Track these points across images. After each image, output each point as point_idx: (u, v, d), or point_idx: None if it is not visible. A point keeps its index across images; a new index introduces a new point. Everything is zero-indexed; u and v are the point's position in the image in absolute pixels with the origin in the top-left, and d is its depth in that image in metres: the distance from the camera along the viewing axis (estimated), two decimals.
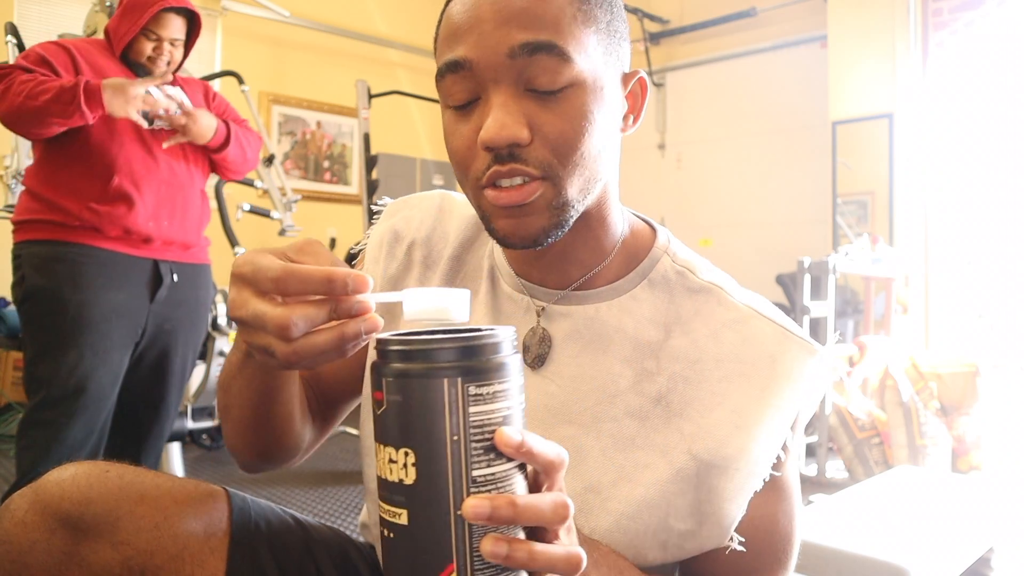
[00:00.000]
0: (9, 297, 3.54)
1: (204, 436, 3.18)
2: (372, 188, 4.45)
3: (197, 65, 4.36)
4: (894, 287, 3.72)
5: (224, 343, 2.72)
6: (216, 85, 4.44)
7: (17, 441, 1.84)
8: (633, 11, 5.20)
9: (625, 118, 0.69)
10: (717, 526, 0.67)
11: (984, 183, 3.87)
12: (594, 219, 0.69)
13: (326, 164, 5.26)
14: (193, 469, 2.96)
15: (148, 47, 1.91)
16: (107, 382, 1.86)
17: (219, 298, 2.74)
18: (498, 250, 0.77)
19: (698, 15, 5.14)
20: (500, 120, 0.60)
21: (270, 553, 0.79)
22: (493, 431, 0.46)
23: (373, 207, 0.89)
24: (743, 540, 0.68)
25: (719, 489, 0.66)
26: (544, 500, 0.47)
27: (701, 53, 5.18)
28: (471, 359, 0.46)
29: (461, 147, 0.64)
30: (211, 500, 0.77)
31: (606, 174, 0.66)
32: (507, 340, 0.47)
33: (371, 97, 4.63)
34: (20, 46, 2.32)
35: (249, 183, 3.41)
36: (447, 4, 0.65)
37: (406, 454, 0.46)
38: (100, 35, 2.12)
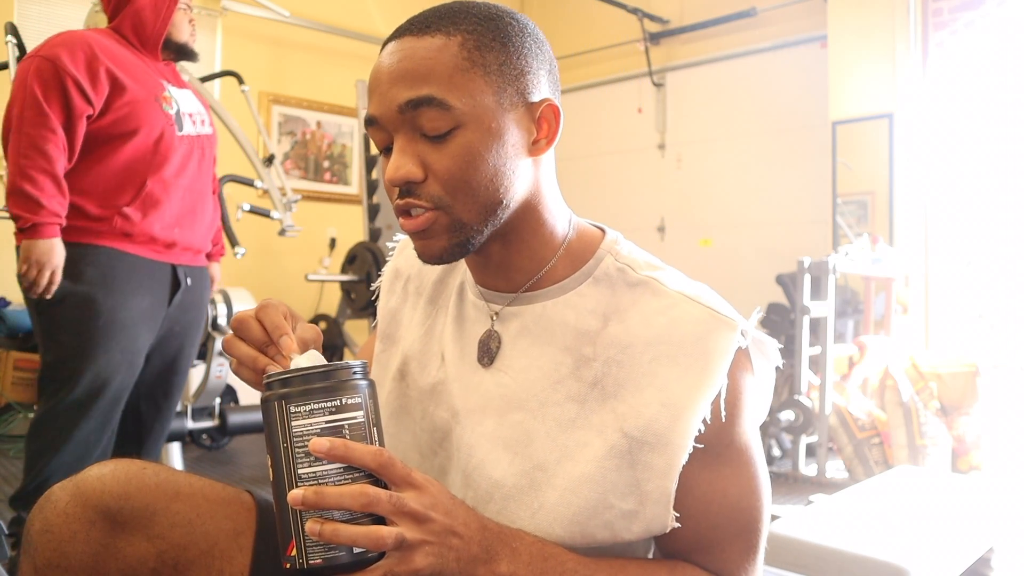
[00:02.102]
0: (8, 297, 3.54)
1: (204, 436, 3.18)
2: (372, 188, 4.44)
3: (197, 65, 4.35)
4: (894, 287, 3.72)
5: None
6: (216, 85, 4.44)
7: (30, 439, 1.83)
8: (633, 11, 5.19)
9: (536, 143, 0.76)
10: (657, 504, 0.71)
11: (984, 183, 3.87)
12: (524, 231, 0.78)
13: (326, 164, 5.26)
14: (193, 469, 2.96)
15: (187, 25, 1.93)
16: (127, 384, 1.89)
17: (219, 298, 2.74)
18: (467, 267, 0.86)
19: (698, 15, 5.14)
20: (396, 163, 0.72)
21: None
22: (311, 439, 0.61)
23: (389, 244, 1.05)
24: (681, 515, 0.72)
25: (653, 465, 0.71)
26: (345, 491, 0.61)
27: (701, 53, 5.18)
28: (289, 387, 0.63)
29: (385, 183, 0.75)
30: (239, 500, 0.84)
31: (512, 196, 0.74)
32: (319, 372, 0.63)
33: None
34: (20, 46, 2.31)
35: (249, 183, 3.41)
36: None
37: (267, 457, 0.65)
38: None
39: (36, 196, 1.70)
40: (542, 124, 0.76)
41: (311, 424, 0.62)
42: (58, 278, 1.75)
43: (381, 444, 0.66)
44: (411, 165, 0.72)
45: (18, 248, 1.83)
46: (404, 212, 0.74)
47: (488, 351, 0.81)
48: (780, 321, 3.96)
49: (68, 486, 0.78)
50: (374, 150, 4.54)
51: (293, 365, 0.70)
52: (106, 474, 0.78)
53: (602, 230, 0.84)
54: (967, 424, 2.95)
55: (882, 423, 2.99)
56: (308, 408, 0.62)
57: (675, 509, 0.72)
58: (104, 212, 1.81)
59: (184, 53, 1.98)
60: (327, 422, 0.62)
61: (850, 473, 3.02)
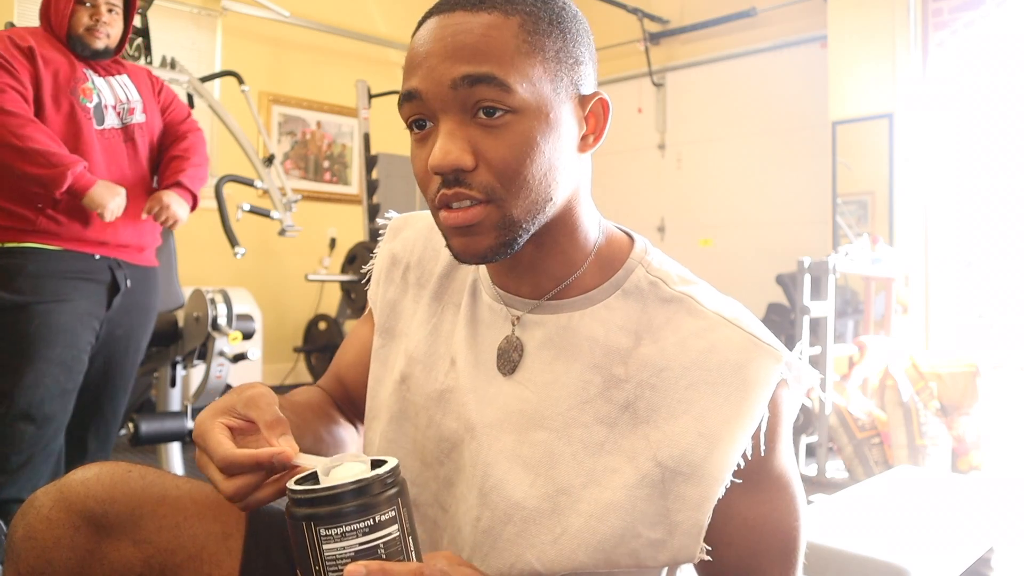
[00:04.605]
0: None
1: None
2: (372, 188, 4.44)
3: (197, 65, 4.36)
4: (894, 287, 3.72)
5: (224, 343, 2.72)
6: (216, 85, 4.45)
7: None
8: (633, 11, 5.19)
9: (584, 138, 0.71)
10: (687, 536, 0.67)
11: (984, 183, 3.87)
12: (559, 234, 0.72)
13: (326, 164, 5.26)
14: (193, 469, 2.96)
15: (85, 16, 1.86)
16: (69, 389, 1.84)
17: (219, 297, 2.74)
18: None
19: (698, 15, 5.14)
20: (445, 147, 0.65)
21: (284, 554, 0.82)
22: (346, 563, 0.56)
23: (380, 220, 0.96)
24: (721, 543, 0.69)
25: (686, 496, 0.67)
26: None
27: (701, 53, 5.18)
28: (317, 507, 0.57)
29: (420, 170, 0.69)
30: (228, 502, 0.78)
31: (560, 194, 0.69)
32: (351, 490, 0.57)
33: (371, 97, 4.63)
34: None
35: (249, 183, 3.41)
36: (414, 34, 0.70)
37: (297, 570, 0.59)
38: None
39: (48, 156, 1.71)
40: (591, 119, 0.71)
41: (344, 548, 0.57)
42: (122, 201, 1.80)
43: (418, 554, 0.61)
44: (462, 151, 0.65)
45: None
46: (445, 204, 0.67)
47: (509, 360, 0.76)
48: (780, 321, 3.96)
49: (51, 491, 0.76)
50: (374, 150, 4.54)
51: (315, 474, 0.62)
52: (90, 478, 0.76)
53: (630, 236, 0.78)
54: (967, 424, 2.95)
55: (882, 423, 2.99)
56: (340, 531, 0.57)
57: (714, 537, 0.69)
58: (27, 212, 1.78)
59: (82, 48, 1.87)
60: (360, 544, 0.57)
61: (850, 473, 3.02)
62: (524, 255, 0.72)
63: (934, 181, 3.88)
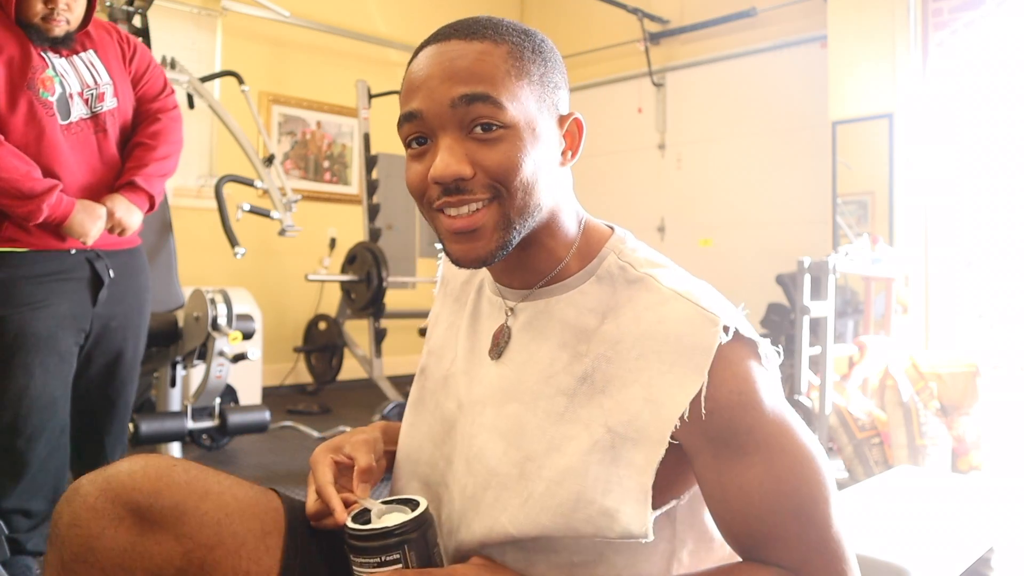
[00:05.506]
0: None
1: (204, 436, 3.18)
2: (372, 188, 4.44)
3: (197, 65, 4.36)
4: (894, 287, 3.72)
5: (224, 343, 2.72)
6: (216, 85, 4.45)
7: None
8: (633, 11, 5.20)
9: (564, 153, 0.80)
10: (636, 503, 0.71)
11: (984, 183, 3.87)
12: (543, 236, 0.79)
13: (326, 164, 5.26)
14: None
15: (38, 5, 1.67)
16: (59, 395, 1.78)
17: (219, 297, 2.74)
18: None
19: (698, 15, 5.14)
20: (445, 160, 0.72)
21: (320, 553, 0.86)
22: None
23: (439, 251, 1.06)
24: (724, 513, 0.73)
25: (634, 462, 0.72)
26: None
27: (701, 53, 5.18)
28: (351, 541, 0.76)
29: (415, 182, 0.76)
30: (267, 500, 0.86)
31: (546, 201, 0.77)
32: (367, 535, 0.75)
33: (371, 97, 4.63)
34: None
35: (249, 183, 3.41)
36: (410, 63, 0.77)
37: None
38: None
39: (19, 183, 1.62)
40: (567, 136, 0.80)
41: (367, 573, 0.76)
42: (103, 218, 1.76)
43: None
44: (461, 162, 0.72)
45: None
46: (445, 207, 0.74)
47: (498, 345, 0.83)
48: (780, 321, 3.96)
49: (98, 480, 0.78)
50: (374, 150, 4.54)
51: (353, 519, 0.81)
52: (136, 470, 0.79)
53: (612, 229, 0.85)
54: (967, 424, 2.95)
55: (882, 423, 2.99)
56: (360, 561, 0.76)
57: (718, 508, 0.73)
58: None
59: (39, 38, 1.70)
60: (374, 573, 0.76)
61: (850, 473, 3.02)
62: (511, 257, 0.79)
63: (934, 181, 3.88)
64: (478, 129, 0.72)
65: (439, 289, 0.99)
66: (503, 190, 0.73)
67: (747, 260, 4.81)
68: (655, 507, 0.74)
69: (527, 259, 0.80)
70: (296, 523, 0.85)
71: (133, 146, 1.90)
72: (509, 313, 0.84)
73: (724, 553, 0.82)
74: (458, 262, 0.76)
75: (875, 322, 3.65)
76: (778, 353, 0.77)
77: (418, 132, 0.74)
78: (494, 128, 0.72)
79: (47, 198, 1.66)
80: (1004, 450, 3.03)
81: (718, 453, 0.71)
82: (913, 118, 3.89)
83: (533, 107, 0.75)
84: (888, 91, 3.94)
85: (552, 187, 0.77)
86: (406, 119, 0.75)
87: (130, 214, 1.83)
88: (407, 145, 0.76)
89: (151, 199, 1.89)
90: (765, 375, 0.74)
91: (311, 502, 0.84)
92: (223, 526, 0.80)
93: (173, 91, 2.03)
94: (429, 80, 0.73)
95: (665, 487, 0.75)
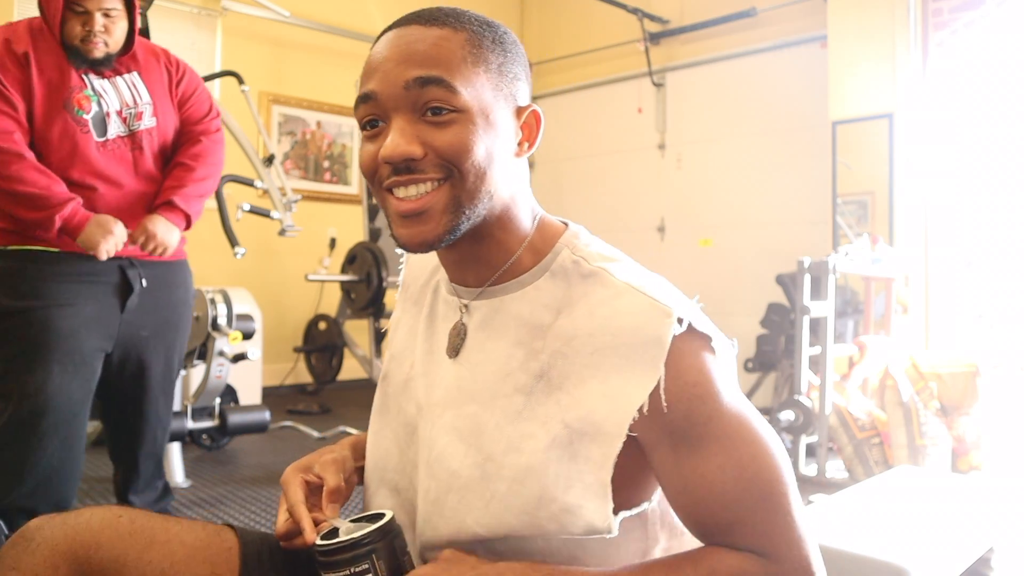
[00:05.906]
0: None
1: (204, 436, 3.18)
2: None
3: (197, 65, 4.35)
4: (894, 287, 3.72)
5: (224, 343, 2.72)
6: (216, 85, 4.45)
7: None
8: (633, 11, 5.19)
9: (520, 144, 0.80)
10: (597, 497, 0.72)
11: (984, 183, 3.87)
12: (495, 227, 0.79)
13: (326, 164, 5.26)
14: (193, 469, 2.96)
15: (77, 26, 1.73)
16: (78, 398, 1.78)
17: (219, 298, 2.74)
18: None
19: (698, 15, 5.14)
20: (395, 140, 0.73)
21: None
22: None
23: (397, 250, 1.05)
24: (689, 503, 0.73)
25: (592, 457, 0.72)
26: None
27: (701, 53, 5.18)
28: (320, 556, 0.76)
29: (367, 162, 0.76)
30: (219, 542, 0.85)
31: (499, 190, 0.77)
32: (333, 548, 0.75)
33: None
34: None
35: (249, 183, 3.41)
36: (372, 47, 0.78)
37: None
38: None
39: (36, 197, 1.67)
40: (525, 128, 0.80)
41: None
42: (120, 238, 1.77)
43: None
44: (410, 143, 0.72)
45: None
46: (394, 187, 0.75)
47: (454, 344, 0.83)
48: (780, 321, 3.96)
49: (44, 526, 0.79)
50: None
51: (320, 536, 0.81)
52: (81, 522, 0.80)
53: (566, 224, 0.85)
54: (967, 424, 2.95)
55: (882, 423, 2.99)
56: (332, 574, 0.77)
57: (683, 500, 0.73)
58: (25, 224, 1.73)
59: (79, 60, 1.77)
60: None
61: (850, 473, 3.02)
62: (463, 249, 0.79)
63: (934, 181, 3.88)
64: (430, 112, 0.72)
65: (400, 294, 0.98)
66: (455, 171, 0.73)
67: (747, 260, 4.81)
68: (626, 508, 0.75)
69: (480, 252, 0.80)
70: (252, 560, 0.85)
71: (174, 165, 1.95)
72: (463, 310, 0.83)
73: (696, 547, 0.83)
74: (405, 246, 0.76)
75: (875, 322, 3.65)
76: (732, 345, 0.78)
77: (372, 114, 0.75)
78: (444, 112, 0.72)
79: (61, 210, 1.70)
80: (1004, 450, 3.03)
81: (676, 445, 0.72)
82: (913, 118, 3.89)
83: (488, 95, 0.75)
84: (888, 91, 3.94)
85: (507, 177, 0.77)
86: (361, 100, 0.75)
87: (169, 233, 1.87)
88: (362, 127, 0.77)
89: (188, 218, 1.93)
90: (720, 366, 0.74)
91: (281, 522, 0.84)
92: (167, 575, 0.80)
93: (219, 114, 2.08)
94: (385, 63, 0.74)
95: (633, 487, 0.76)
